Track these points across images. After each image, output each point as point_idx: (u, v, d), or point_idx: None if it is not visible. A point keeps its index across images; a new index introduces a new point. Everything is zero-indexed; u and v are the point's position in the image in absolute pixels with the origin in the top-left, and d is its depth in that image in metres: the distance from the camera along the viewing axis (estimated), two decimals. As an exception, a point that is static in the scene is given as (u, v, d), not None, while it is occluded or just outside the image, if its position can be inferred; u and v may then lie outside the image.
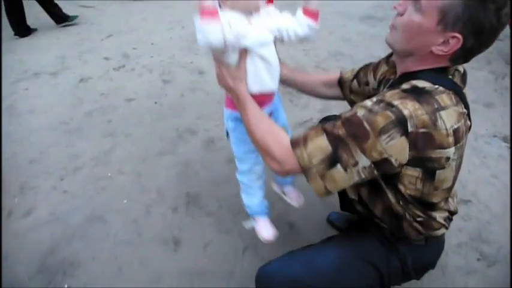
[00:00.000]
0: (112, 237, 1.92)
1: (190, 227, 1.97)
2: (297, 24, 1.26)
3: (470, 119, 1.10)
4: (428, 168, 1.03)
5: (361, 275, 1.24)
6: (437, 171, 1.04)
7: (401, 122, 0.94)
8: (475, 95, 2.99)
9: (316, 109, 2.86)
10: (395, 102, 0.97)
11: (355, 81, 1.50)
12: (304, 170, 1.05)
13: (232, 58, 1.23)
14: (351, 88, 1.53)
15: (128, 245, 1.88)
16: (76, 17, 4.67)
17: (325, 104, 2.82)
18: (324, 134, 1.03)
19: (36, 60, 3.73)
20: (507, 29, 3.66)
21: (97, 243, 1.89)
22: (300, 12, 1.25)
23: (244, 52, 1.20)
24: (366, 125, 0.97)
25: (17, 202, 2.11)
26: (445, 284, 1.71)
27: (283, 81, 1.56)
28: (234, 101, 1.26)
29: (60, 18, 4.59)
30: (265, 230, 1.62)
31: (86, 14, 5.01)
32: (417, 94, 0.99)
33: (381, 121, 0.95)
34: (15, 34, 4.37)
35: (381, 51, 3.40)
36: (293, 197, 1.76)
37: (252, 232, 1.91)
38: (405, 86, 1.04)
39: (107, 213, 2.05)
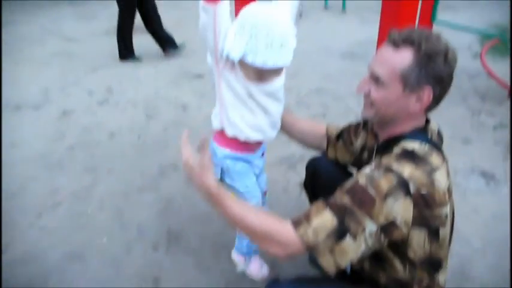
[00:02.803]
0: (90, 275, 1.87)
1: (171, 265, 1.94)
2: None
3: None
4: (432, 227, 1.06)
5: None
6: (440, 229, 1.08)
7: (403, 184, 0.98)
8: (451, 131, 3.06)
9: (299, 144, 2.87)
10: (394, 167, 1.01)
11: (340, 141, 1.52)
12: (311, 248, 1.01)
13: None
14: (336, 147, 1.55)
15: (106, 284, 1.83)
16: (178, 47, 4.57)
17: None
18: (327, 208, 1.03)
19: (18, 92, 3.71)
20: (480, 67, 3.80)
21: (75, 282, 1.84)
22: None
23: (204, 141, 1.09)
24: (370, 190, 1.00)
25: (-8, 239, 2.06)
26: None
27: (281, 127, 1.49)
28: (205, 198, 1.13)
29: (173, 44, 4.51)
30: (259, 269, 1.65)
31: (69, 47, 5.03)
32: (411, 157, 1.04)
33: (384, 185, 0.99)
34: (120, 57, 4.44)
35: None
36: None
37: (233, 271, 1.89)
38: (397, 150, 1.09)
39: (85, 251, 2.00)
